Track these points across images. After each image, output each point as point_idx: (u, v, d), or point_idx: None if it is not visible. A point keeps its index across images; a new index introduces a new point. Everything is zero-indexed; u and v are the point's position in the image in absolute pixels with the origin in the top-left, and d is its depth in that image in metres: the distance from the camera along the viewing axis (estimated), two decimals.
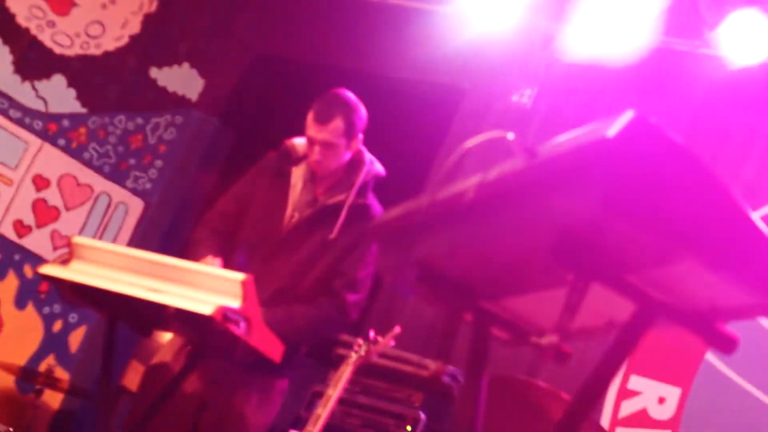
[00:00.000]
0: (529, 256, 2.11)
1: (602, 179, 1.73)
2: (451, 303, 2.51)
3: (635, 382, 6.57)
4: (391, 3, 8.32)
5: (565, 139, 1.88)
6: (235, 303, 4.31)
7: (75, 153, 8.56)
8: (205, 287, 4.35)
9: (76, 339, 8.52)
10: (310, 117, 5.13)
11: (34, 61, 8.36)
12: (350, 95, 5.24)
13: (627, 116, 1.75)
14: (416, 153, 7.65)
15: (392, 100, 8.00)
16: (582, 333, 2.28)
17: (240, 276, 4.33)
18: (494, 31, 7.55)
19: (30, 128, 8.34)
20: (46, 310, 8.38)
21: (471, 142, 2.13)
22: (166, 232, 8.75)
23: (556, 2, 7.36)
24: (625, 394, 6.56)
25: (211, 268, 4.77)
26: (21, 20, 8.24)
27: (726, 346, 2.00)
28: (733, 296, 1.90)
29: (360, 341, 5.00)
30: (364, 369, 5.22)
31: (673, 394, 6.45)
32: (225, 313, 4.20)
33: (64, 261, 4.60)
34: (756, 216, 1.77)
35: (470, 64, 7.90)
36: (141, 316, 4.71)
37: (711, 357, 6.43)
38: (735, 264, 1.78)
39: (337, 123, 5.09)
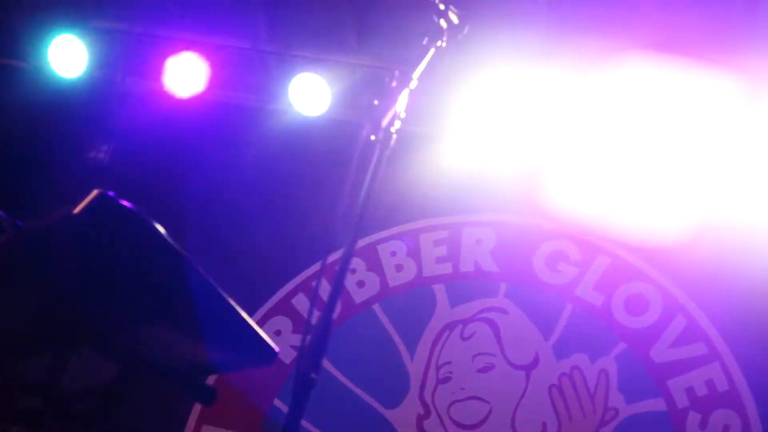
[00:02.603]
0: (27, 324, 2.21)
1: (72, 253, 1.86)
2: None
3: None
4: None
5: (47, 215, 1.99)
6: None
7: None
8: None
9: None
10: None
11: None
12: None
13: (92, 195, 1.89)
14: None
15: None
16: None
17: None
18: (66, 87, 7.55)
19: None
20: None
21: None
22: None
23: (127, 58, 7.45)
24: None
25: None
26: None
27: (205, 398, 2.18)
28: (205, 354, 2.08)
29: None
30: None
31: None
32: None
33: None
34: (212, 281, 1.95)
35: (43, 122, 7.79)
36: None
37: (278, 403, 6.65)
38: (195, 324, 1.96)
39: None
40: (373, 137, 2.46)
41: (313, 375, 2.30)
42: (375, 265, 6.89)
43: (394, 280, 6.86)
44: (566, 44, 6.39)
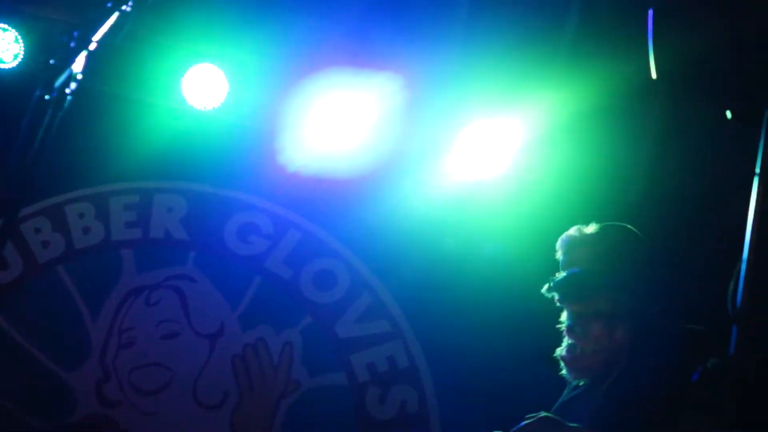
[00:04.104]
0: None
1: None
2: None
3: None
4: None
5: None
6: None
7: None
8: None
9: None
10: None
11: None
12: None
13: None
14: None
15: None
16: None
17: None
18: None
19: None
20: None
21: None
22: None
23: None
24: None
25: None
26: None
27: None
28: None
29: None
30: None
31: None
32: None
33: None
34: None
35: None
36: None
37: None
38: None
39: None
40: (46, 97, 2.42)
41: None
42: (61, 225, 6.72)
43: (81, 242, 6.72)
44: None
